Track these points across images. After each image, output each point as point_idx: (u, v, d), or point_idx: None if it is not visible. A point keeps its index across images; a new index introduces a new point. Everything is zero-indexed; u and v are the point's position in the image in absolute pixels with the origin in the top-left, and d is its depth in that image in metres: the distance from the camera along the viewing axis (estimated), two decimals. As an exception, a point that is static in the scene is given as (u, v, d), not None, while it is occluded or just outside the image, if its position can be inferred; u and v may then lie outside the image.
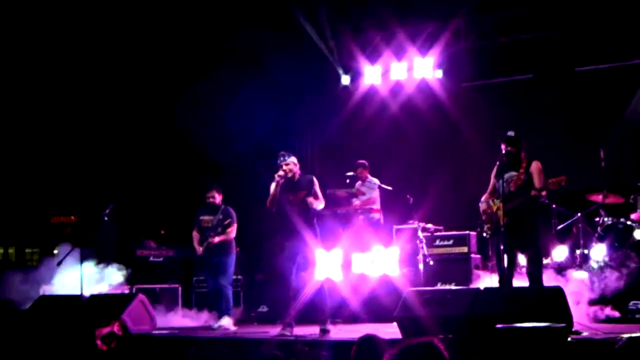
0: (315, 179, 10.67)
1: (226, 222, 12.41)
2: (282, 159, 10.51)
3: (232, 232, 12.50)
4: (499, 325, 7.96)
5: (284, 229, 10.53)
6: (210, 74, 16.04)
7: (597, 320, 10.47)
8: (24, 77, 14.35)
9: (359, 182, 14.52)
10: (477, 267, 13.06)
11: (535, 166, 9.76)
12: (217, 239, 12.33)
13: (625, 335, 7.66)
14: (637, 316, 10.90)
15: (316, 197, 10.47)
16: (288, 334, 10.04)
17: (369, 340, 5.86)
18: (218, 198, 12.64)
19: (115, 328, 9.65)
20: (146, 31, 14.88)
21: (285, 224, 10.44)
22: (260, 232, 15.66)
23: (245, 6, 15.64)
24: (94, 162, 15.26)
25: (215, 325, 12.11)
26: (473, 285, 12.05)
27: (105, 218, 13.15)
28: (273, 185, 10.41)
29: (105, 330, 9.66)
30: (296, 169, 10.56)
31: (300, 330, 10.27)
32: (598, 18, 14.79)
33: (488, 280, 11.61)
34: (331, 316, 11.06)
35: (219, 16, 15.60)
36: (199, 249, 12.45)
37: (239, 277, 14.15)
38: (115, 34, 14.57)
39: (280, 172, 10.41)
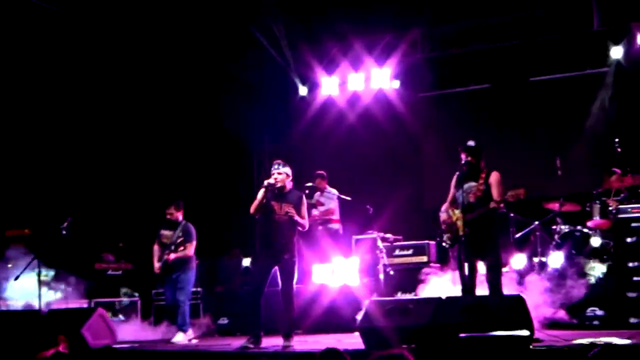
0: (304, 198, 10.57)
1: (179, 241, 12.21)
2: (275, 166, 10.40)
3: (190, 249, 12.31)
4: (461, 335, 8.01)
5: (264, 239, 10.39)
6: (165, 86, 15.96)
7: (554, 327, 10.58)
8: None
9: (318, 193, 14.54)
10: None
11: (494, 177, 9.82)
12: (172, 257, 12.19)
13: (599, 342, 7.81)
14: (594, 323, 11.07)
15: (301, 217, 10.34)
16: (251, 346, 9.98)
17: (331, 353, 5.82)
18: (176, 214, 12.46)
19: (61, 347, 9.44)
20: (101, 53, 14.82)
21: (267, 233, 10.31)
22: (218, 243, 15.68)
23: (202, 16, 15.58)
24: (51, 174, 15.06)
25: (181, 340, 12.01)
26: (422, 287, 12.11)
27: (64, 232, 13.02)
28: (261, 192, 10.30)
29: (50, 352, 9.43)
30: (287, 181, 10.40)
31: (263, 342, 10.24)
32: (551, 29, 14.99)
33: (435, 281, 11.74)
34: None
35: (176, 26, 15.51)
36: (157, 267, 12.31)
37: (199, 289, 14.08)
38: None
39: (270, 180, 10.30)
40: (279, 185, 10.28)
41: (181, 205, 12.45)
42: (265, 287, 10.25)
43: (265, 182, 10.28)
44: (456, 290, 10.93)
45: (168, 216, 12.39)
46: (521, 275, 11.77)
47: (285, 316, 10.30)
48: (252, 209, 10.31)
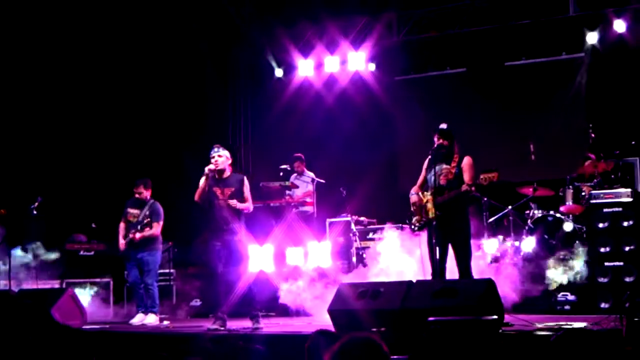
0: (246, 180, 10.58)
1: (146, 221, 12.03)
2: (215, 149, 10.40)
3: (156, 229, 12.13)
4: (430, 318, 8.00)
5: (211, 224, 10.45)
6: (140, 67, 15.83)
7: (525, 311, 10.61)
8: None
9: (294, 175, 14.52)
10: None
11: (466, 161, 9.79)
12: (138, 236, 12.01)
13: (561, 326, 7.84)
14: (565, 307, 11.13)
15: (244, 199, 10.39)
16: (221, 328, 9.98)
17: (323, 335, 5.74)
18: (145, 193, 12.25)
19: None
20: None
21: (213, 218, 10.37)
22: (191, 225, 15.61)
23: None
24: (21, 154, 14.91)
25: (138, 322, 11.82)
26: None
27: (34, 212, 12.91)
28: (203, 179, 10.32)
29: None
30: (227, 164, 10.44)
31: (233, 324, 10.23)
32: (527, 14, 15.00)
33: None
34: (264, 309, 11.07)
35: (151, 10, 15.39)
36: (122, 243, 12.18)
37: (172, 270, 14.02)
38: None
39: (211, 166, 10.30)
40: (220, 168, 10.32)
41: (149, 183, 12.27)
42: (219, 270, 10.33)
43: (206, 169, 10.31)
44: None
45: (137, 195, 12.21)
46: (494, 260, 11.81)
47: (250, 298, 10.39)
48: (196, 197, 10.41)
